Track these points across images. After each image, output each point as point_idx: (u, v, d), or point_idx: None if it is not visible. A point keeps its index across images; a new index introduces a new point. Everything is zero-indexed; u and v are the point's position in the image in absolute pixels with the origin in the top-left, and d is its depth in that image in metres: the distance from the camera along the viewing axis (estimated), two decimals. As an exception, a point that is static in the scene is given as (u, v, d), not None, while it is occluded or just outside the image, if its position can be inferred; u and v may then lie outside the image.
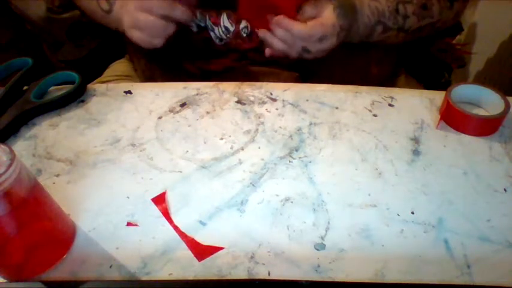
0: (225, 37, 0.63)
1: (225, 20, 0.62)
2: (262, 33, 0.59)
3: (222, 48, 0.65)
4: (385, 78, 0.76)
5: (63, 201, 0.41)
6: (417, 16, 0.62)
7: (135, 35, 0.59)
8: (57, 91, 0.58)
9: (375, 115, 0.56)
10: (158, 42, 0.58)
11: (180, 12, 0.57)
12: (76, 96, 0.58)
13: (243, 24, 0.62)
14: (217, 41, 0.64)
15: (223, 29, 0.62)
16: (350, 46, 0.65)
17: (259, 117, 0.55)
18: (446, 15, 0.65)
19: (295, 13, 0.59)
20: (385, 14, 0.61)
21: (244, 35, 0.63)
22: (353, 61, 0.70)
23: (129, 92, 0.59)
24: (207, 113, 0.56)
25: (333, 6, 0.57)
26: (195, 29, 0.63)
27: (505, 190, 0.46)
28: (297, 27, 0.56)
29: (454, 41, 1.18)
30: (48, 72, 0.59)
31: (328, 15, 0.57)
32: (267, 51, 0.61)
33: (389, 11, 0.61)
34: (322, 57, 0.60)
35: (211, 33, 0.63)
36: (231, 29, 0.62)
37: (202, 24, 0.63)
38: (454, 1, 0.65)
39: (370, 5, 0.60)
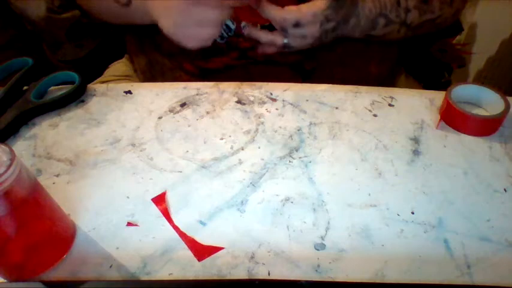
0: (226, 35, 0.63)
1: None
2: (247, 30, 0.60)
3: (222, 46, 0.65)
4: (385, 78, 0.76)
5: (63, 201, 0.41)
6: (418, 10, 0.62)
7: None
8: (57, 91, 0.58)
9: (375, 115, 0.56)
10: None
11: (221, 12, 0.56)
12: (76, 96, 0.58)
13: (244, 22, 0.62)
14: (218, 39, 0.64)
15: (224, 26, 0.63)
16: (350, 45, 0.65)
17: (259, 117, 0.55)
18: (447, 12, 0.65)
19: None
20: (387, 6, 0.60)
21: (245, 33, 0.63)
22: (353, 61, 0.70)
23: (129, 92, 0.59)
24: (207, 113, 0.56)
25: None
26: None
27: (505, 190, 0.46)
28: (270, 9, 0.56)
29: (454, 41, 1.18)
30: (48, 72, 0.59)
31: (315, 3, 0.57)
32: (259, 51, 0.61)
33: (390, 3, 0.61)
34: (304, 48, 0.60)
35: None
36: (232, 27, 0.63)
37: None
38: None
39: None
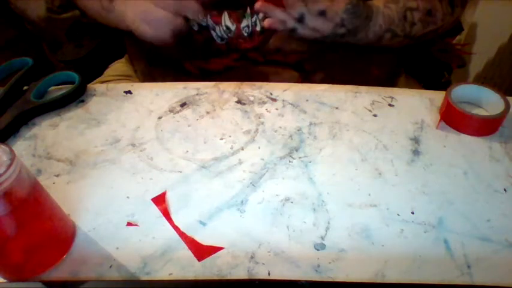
0: (226, 36, 0.63)
1: (226, 19, 0.62)
2: (260, 5, 0.58)
3: (222, 47, 0.65)
4: (386, 80, 0.76)
5: (63, 201, 0.41)
6: (423, 23, 0.63)
7: (142, 29, 0.59)
8: (57, 91, 0.58)
9: (375, 115, 0.56)
10: (166, 37, 0.59)
11: (192, 12, 0.58)
12: (76, 96, 0.58)
13: (244, 23, 0.62)
14: (218, 40, 0.64)
15: (225, 28, 0.63)
16: (351, 48, 0.65)
17: (259, 117, 0.55)
18: (448, 21, 0.66)
19: None
20: (395, 21, 0.61)
21: (245, 34, 0.63)
22: (354, 63, 0.70)
23: (129, 92, 0.59)
24: (207, 113, 0.56)
25: (348, 0, 0.57)
26: (196, 27, 0.63)
27: (505, 190, 0.46)
28: None
29: (454, 41, 1.18)
30: (48, 72, 0.59)
31: (338, 3, 0.57)
32: (266, 22, 0.59)
33: (398, 18, 0.61)
34: (308, 38, 0.60)
35: (213, 32, 0.63)
36: (232, 28, 0.63)
37: (204, 23, 0.63)
38: (454, 7, 0.65)
39: (383, 13, 0.60)
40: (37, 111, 0.55)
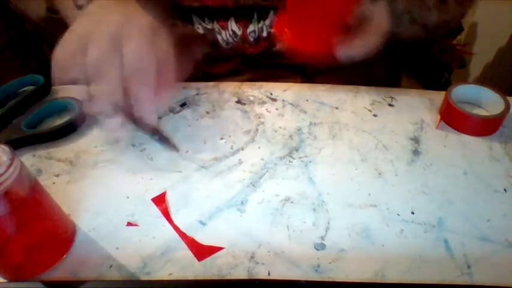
0: (231, 41, 0.63)
1: (232, 24, 0.62)
2: None
3: (228, 52, 0.65)
4: (386, 80, 0.76)
5: (63, 201, 0.41)
6: (437, 10, 0.61)
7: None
8: (52, 122, 0.53)
9: (375, 115, 0.56)
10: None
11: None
12: (69, 131, 0.52)
13: (251, 28, 0.62)
14: (223, 44, 0.64)
15: (231, 32, 0.62)
16: None
17: (259, 117, 0.55)
18: (459, 13, 0.65)
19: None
20: (414, 1, 0.59)
21: (252, 39, 0.63)
22: (355, 64, 0.69)
23: (129, 92, 0.59)
24: (207, 113, 0.56)
25: (385, 10, 0.52)
26: (201, 31, 0.63)
27: (505, 190, 0.46)
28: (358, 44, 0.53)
29: (454, 41, 1.18)
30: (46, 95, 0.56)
31: (381, 21, 0.53)
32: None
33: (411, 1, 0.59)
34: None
35: (218, 37, 0.63)
36: (239, 33, 0.62)
37: (210, 27, 0.62)
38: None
39: None
40: (25, 142, 0.50)
